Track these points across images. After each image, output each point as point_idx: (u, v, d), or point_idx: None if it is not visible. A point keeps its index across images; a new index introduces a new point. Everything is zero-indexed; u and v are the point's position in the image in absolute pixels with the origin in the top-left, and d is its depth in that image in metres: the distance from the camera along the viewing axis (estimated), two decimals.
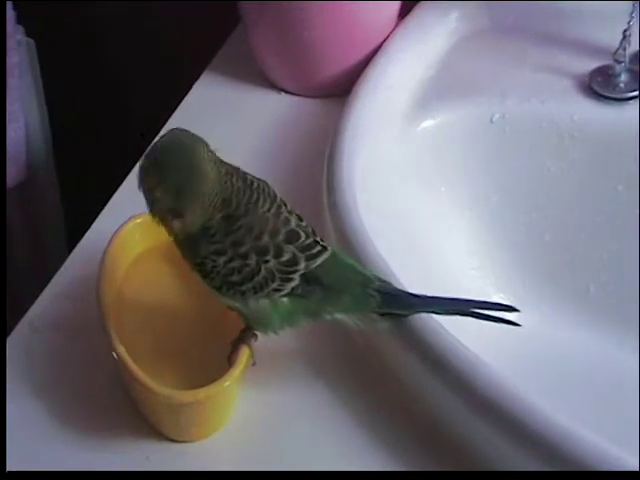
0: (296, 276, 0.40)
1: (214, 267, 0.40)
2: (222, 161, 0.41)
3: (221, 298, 0.41)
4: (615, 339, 0.56)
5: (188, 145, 0.40)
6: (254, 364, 0.42)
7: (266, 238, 0.40)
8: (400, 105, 0.56)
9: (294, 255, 0.40)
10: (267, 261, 0.40)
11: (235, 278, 0.40)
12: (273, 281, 0.40)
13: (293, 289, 0.40)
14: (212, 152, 0.40)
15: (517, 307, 0.44)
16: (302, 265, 0.40)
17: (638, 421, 0.50)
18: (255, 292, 0.40)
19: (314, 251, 0.40)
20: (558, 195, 0.57)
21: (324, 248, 0.41)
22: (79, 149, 0.79)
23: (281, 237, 0.40)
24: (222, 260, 0.39)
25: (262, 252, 0.40)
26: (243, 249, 0.39)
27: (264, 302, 0.41)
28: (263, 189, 0.41)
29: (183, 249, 0.41)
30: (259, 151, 0.56)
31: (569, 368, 0.55)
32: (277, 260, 0.40)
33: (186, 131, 0.41)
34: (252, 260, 0.40)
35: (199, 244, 0.40)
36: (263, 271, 0.40)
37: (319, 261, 0.40)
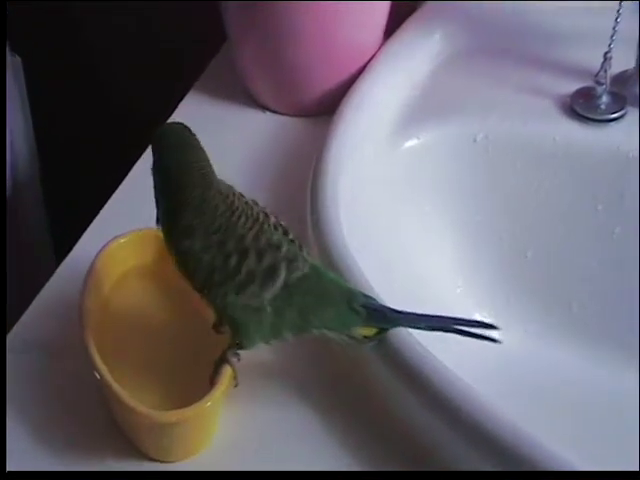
0: (277, 284, 0.40)
1: (197, 263, 0.40)
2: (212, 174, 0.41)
3: (205, 303, 0.41)
4: (597, 355, 0.56)
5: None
6: (236, 385, 0.43)
7: (249, 241, 0.40)
8: (384, 124, 0.56)
9: (275, 262, 0.40)
10: (248, 263, 0.40)
11: (217, 277, 0.40)
12: (253, 282, 0.40)
13: (275, 298, 0.40)
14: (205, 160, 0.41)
15: (500, 325, 0.44)
16: (283, 274, 0.40)
17: (620, 435, 0.51)
18: (236, 293, 0.40)
19: (296, 263, 0.41)
20: (540, 214, 0.57)
21: (306, 261, 0.41)
22: (65, 166, 0.79)
23: (263, 243, 0.41)
24: (206, 258, 0.40)
25: (244, 253, 0.40)
26: (227, 248, 0.40)
27: (248, 306, 0.41)
28: (244, 209, 0.41)
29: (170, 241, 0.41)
30: (244, 170, 0.57)
31: (552, 385, 0.56)
32: (258, 263, 0.40)
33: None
34: (234, 260, 0.40)
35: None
36: (244, 271, 0.40)
37: (300, 273, 0.41)
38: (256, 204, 0.42)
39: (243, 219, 0.41)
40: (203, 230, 0.40)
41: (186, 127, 0.42)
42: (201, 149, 0.41)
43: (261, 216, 0.42)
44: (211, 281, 0.40)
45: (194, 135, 0.42)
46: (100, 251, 0.46)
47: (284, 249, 0.41)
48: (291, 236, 0.42)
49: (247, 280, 0.40)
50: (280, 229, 0.42)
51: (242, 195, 0.42)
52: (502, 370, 0.54)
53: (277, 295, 0.40)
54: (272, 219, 0.42)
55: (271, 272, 0.40)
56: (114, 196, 0.54)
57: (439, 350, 0.43)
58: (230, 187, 0.42)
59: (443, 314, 0.43)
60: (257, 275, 0.40)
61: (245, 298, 0.40)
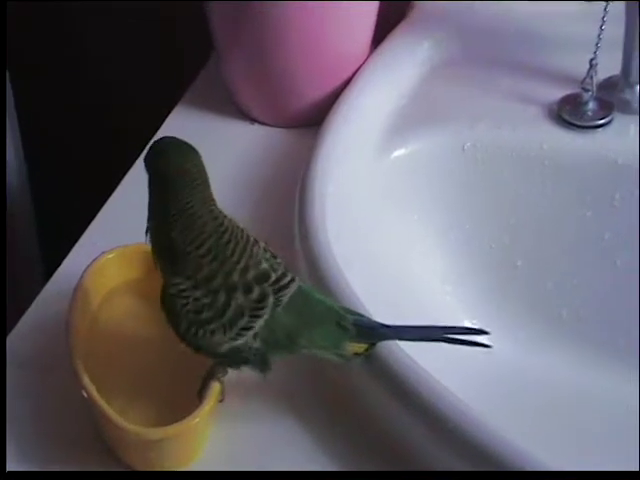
0: (265, 312, 0.40)
1: (185, 304, 0.40)
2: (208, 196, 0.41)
3: (189, 347, 0.41)
4: (587, 363, 0.56)
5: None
6: (222, 401, 0.42)
7: (236, 276, 0.40)
8: (372, 134, 0.56)
9: (263, 291, 0.40)
10: (237, 298, 0.40)
11: (205, 315, 0.40)
12: (242, 317, 0.40)
13: (263, 325, 0.40)
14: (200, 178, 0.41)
15: (491, 333, 0.44)
16: (271, 299, 0.40)
17: (608, 440, 0.52)
18: (224, 331, 0.40)
19: (283, 283, 0.41)
20: (529, 221, 0.57)
21: (292, 279, 0.41)
22: (54, 179, 0.79)
23: (251, 276, 0.40)
24: (194, 296, 0.40)
25: (231, 289, 0.40)
26: (214, 284, 0.40)
27: (236, 342, 0.41)
28: (235, 234, 0.41)
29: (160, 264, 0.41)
30: (232, 182, 0.57)
31: (542, 392, 0.56)
32: (246, 297, 0.40)
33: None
34: (222, 296, 0.40)
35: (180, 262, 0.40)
36: (233, 306, 0.40)
37: (288, 293, 0.41)
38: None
39: (232, 243, 0.41)
40: (191, 257, 0.40)
41: (183, 143, 0.42)
42: (199, 168, 0.41)
43: (251, 239, 0.41)
44: (198, 321, 0.40)
45: (192, 150, 0.41)
46: (88, 267, 0.46)
47: (272, 279, 0.41)
48: (279, 260, 0.42)
49: (236, 316, 0.40)
50: (269, 252, 0.42)
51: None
52: (492, 378, 0.54)
53: (265, 322, 0.40)
54: (261, 243, 0.42)
55: (259, 301, 0.40)
56: (102, 211, 0.54)
57: (428, 360, 0.43)
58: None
59: (432, 324, 0.44)
60: (245, 309, 0.40)
61: (232, 335, 0.40)
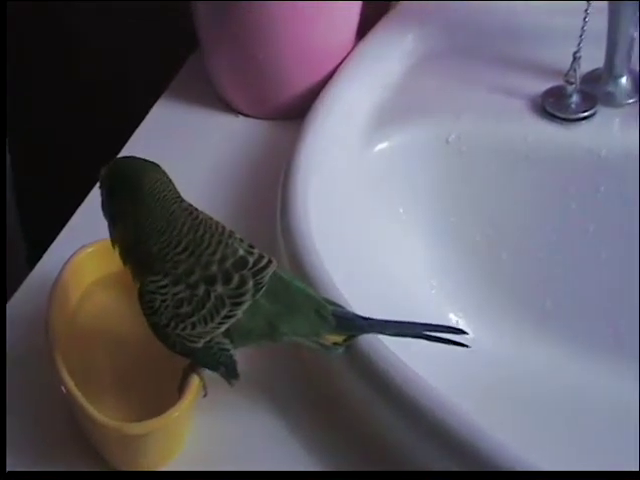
0: (247, 298, 0.40)
1: (163, 301, 0.40)
2: (175, 194, 0.41)
3: (165, 345, 0.41)
4: (574, 356, 0.56)
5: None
6: (205, 395, 0.42)
7: (214, 267, 0.40)
8: (356, 127, 0.56)
9: (242, 278, 0.40)
10: (216, 289, 0.40)
11: (184, 310, 0.40)
12: (224, 307, 0.40)
13: (243, 312, 0.40)
14: (164, 181, 0.41)
15: (475, 325, 0.45)
16: (250, 283, 0.40)
17: (593, 432, 0.52)
18: (206, 323, 0.40)
19: (260, 265, 0.41)
20: (514, 214, 0.57)
21: (270, 261, 0.41)
22: (38, 170, 0.78)
23: (229, 264, 0.40)
24: (173, 291, 0.40)
25: (210, 281, 0.40)
26: (193, 278, 0.40)
27: (214, 348, 0.41)
28: (210, 225, 0.41)
29: (135, 271, 0.41)
30: (216, 174, 0.56)
31: (528, 385, 0.56)
32: (225, 287, 0.40)
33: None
34: (201, 289, 0.40)
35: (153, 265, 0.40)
36: (212, 298, 0.40)
37: (267, 274, 0.41)
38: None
39: (208, 235, 0.41)
40: (169, 257, 0.40)
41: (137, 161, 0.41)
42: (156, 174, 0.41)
43: (226, 230, 0.41)
44: (178, 315, 0.40)
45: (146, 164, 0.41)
46: (67, 261, 0.45)
47: (250, 264, 0.41)
48: (256, 250, 0.42)
49: (216, 307, 0.40)
50: (245, 242, 0.42)
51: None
52: (477, 371, 0.54)
53: (245, 309, 0.40)
54: (237, 235, 0.42)
55: (239, 287, 0.40)
56: (83, 205, 0.54)
57: (410, 353, 0.43)
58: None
59: (413, 319, 0.43)
60: (226, 298, 0.40)
61: (216, 323, 0.40)
